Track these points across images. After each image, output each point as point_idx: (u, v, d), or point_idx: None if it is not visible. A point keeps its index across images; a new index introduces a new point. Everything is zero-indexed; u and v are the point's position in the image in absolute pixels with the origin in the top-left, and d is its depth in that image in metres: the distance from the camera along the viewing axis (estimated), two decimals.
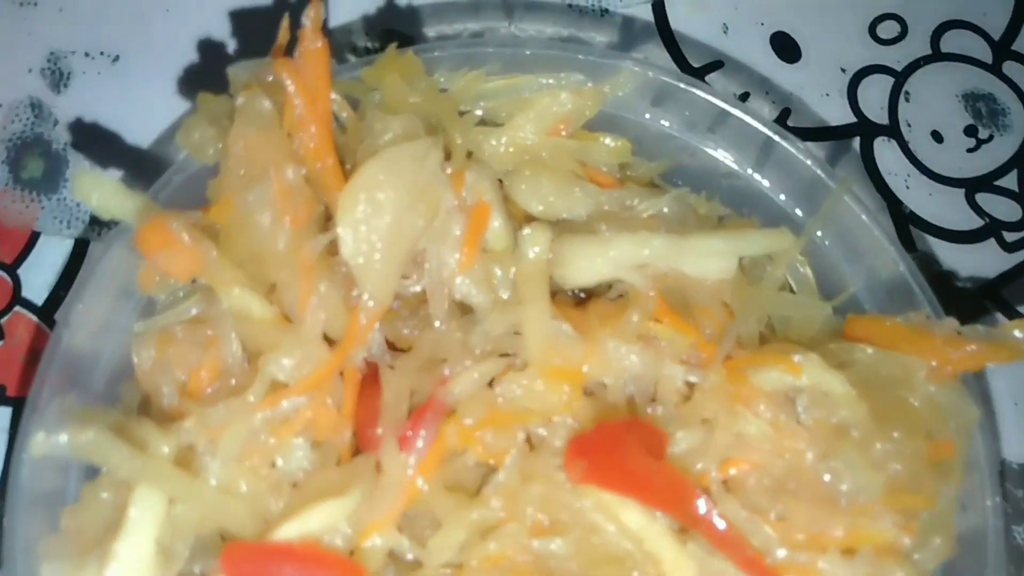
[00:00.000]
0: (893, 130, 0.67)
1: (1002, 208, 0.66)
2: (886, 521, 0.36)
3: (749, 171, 0.50)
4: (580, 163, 0.49)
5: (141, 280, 0.43)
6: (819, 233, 0.49)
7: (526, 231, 0.45)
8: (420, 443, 0.41)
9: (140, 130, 0.61)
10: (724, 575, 0.38)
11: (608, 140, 0.50)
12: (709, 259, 0.44)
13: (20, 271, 0.58)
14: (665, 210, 0.47)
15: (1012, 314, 0.63)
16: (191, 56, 0.64)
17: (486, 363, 0.43)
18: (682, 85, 0.50)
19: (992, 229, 0.65)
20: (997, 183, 0.67)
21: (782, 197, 0.49)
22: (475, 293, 0.46)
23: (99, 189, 0.41)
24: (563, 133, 0.49)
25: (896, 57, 0.69)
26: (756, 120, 0.48)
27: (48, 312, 0.57)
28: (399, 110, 0.44)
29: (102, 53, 0.63)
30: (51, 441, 0.34)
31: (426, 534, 0.41)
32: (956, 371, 0.41)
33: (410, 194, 0.42)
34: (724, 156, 0.51)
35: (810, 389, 0.40)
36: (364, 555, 0.39)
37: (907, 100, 0.68)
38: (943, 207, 0.65)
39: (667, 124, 0.51)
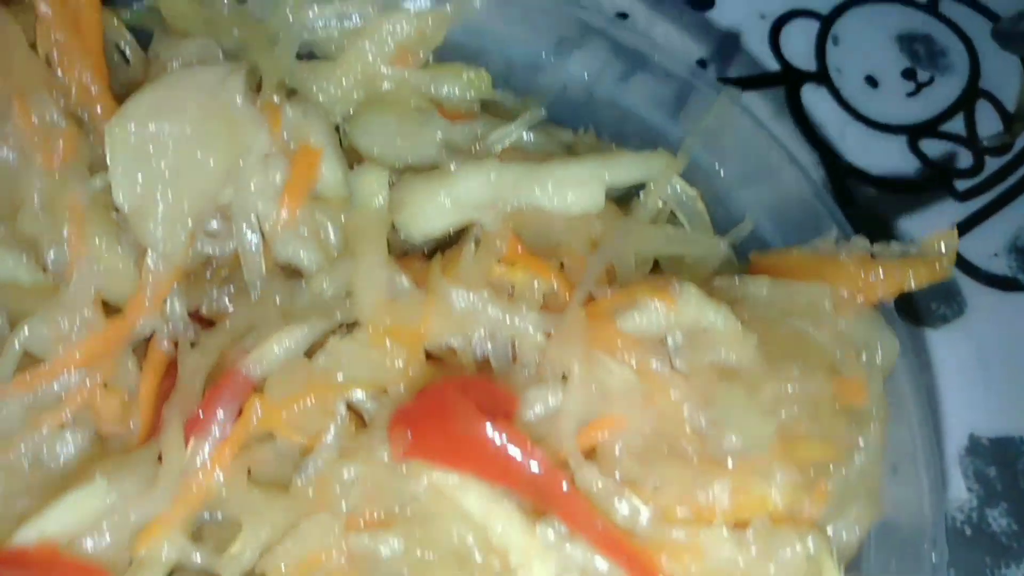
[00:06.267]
0: (822, 76, 0.61)
1: (950, 154, 0.59)
2: (780, 479, 0.28)
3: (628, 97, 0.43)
4: (432, 100, 0.42)
5: None
6: (716, 165, 0.42)
7: (356, 174, 0.38)
8: (216, 427, 0.33)
9: None
10: (587, 566, 0.30)
11: (466, 72, 0.43)
12: (570, 189, 0.37)
13: None
14: (525, 138, 0.40)
15: (973, 272, 0.56)
16: None
17: (299, 326, 0.35)
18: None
19: (941, 177, 0.58)
20: (942, 128, 0.60)
21: (666, 123, 0.42)
22: (303, 253, 0.38)
23: None
24: (410, 64, 0.42)
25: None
26: (632, 39, 0.41)
27: None
28: (192, 32, 0.37)
29: None
30: None
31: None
32: (869, 298, 0.33)
33: (200, 128, 0.35)
34: (600, 82, 0.43)
35: (687, 328, 0.32)
36: (142, 566, 0.31)
37: (835, 44, 0.62)
38: (883, 156, 0.59)
39: (543, 55, 0.44)
